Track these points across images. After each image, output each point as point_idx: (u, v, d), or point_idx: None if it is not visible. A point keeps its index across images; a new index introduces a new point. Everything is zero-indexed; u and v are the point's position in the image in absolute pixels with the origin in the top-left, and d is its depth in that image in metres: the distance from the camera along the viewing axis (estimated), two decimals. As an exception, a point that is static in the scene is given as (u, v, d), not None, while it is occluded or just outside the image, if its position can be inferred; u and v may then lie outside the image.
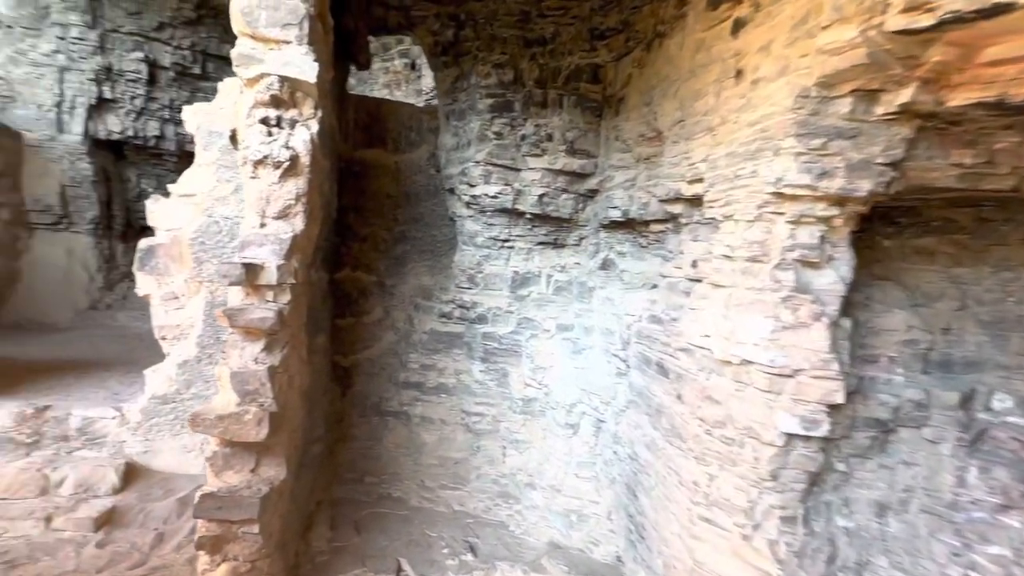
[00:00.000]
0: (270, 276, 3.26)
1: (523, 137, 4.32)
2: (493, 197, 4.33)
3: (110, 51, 8.86)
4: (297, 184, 3.42)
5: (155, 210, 4.63)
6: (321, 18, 3.60)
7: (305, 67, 3.30)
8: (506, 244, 4.59)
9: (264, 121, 3.40)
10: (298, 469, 3.66)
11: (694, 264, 3.55)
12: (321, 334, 4.14)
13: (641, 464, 3.95)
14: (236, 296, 3.32)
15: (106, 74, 8.84)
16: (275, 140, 3.36)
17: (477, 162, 4.29)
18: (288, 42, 3.28)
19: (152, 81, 9.01)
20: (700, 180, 3.37)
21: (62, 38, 8.63)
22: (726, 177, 3.07)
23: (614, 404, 4.39)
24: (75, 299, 8.17)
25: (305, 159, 3.41)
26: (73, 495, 3.98)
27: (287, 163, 3.34)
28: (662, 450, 3.66)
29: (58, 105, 8.64)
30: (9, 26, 8.68)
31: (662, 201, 3.84)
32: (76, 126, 8.70)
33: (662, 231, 4.00)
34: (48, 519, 3.76)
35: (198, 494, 3.07)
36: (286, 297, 3.33)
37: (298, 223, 3.47)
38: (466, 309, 4.72)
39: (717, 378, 3.11)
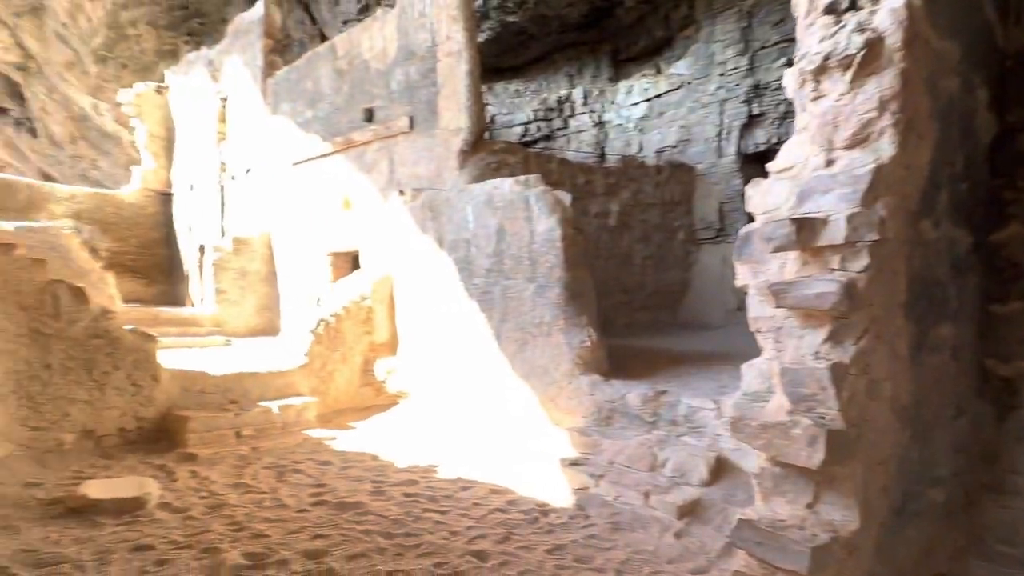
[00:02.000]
0: (835, 233, 2.25)
1: None
2: None
3: (757, 68, 9.34)
4: (880, 84, 2.23)
5: (752, 194, 4.22)
6: None
7: None
8: None
9: (831, 8, 2.41)
10: (893, 520, 2.35)
11: None
12: (946, 323, 2.57)
13: None
14: (791, 266, 2.49)
15: (754, 92, 9.36)
16: (842, 27, 2.30)
17: None
18: None
19: (795, 83, 8.89)
20: None
21: (722, 75, 9.73)
22: None
23: None
24: (726, 300, 8.87)
25: (893, 39, 2.19)
26: (670, 478, 4.02)
27: (861, 53, 2.22)
28: None
29: (718, 135, 9.76)
30: (688, 82, 10.51)
31: None
32: (730, 147, 9.57)
33: None
34: (647, 495, 3.91)
35: (738, 516, 2.38)
36: (862, 262, 2.22)
37: (885, 146, 2.26)
38: None
39: None
